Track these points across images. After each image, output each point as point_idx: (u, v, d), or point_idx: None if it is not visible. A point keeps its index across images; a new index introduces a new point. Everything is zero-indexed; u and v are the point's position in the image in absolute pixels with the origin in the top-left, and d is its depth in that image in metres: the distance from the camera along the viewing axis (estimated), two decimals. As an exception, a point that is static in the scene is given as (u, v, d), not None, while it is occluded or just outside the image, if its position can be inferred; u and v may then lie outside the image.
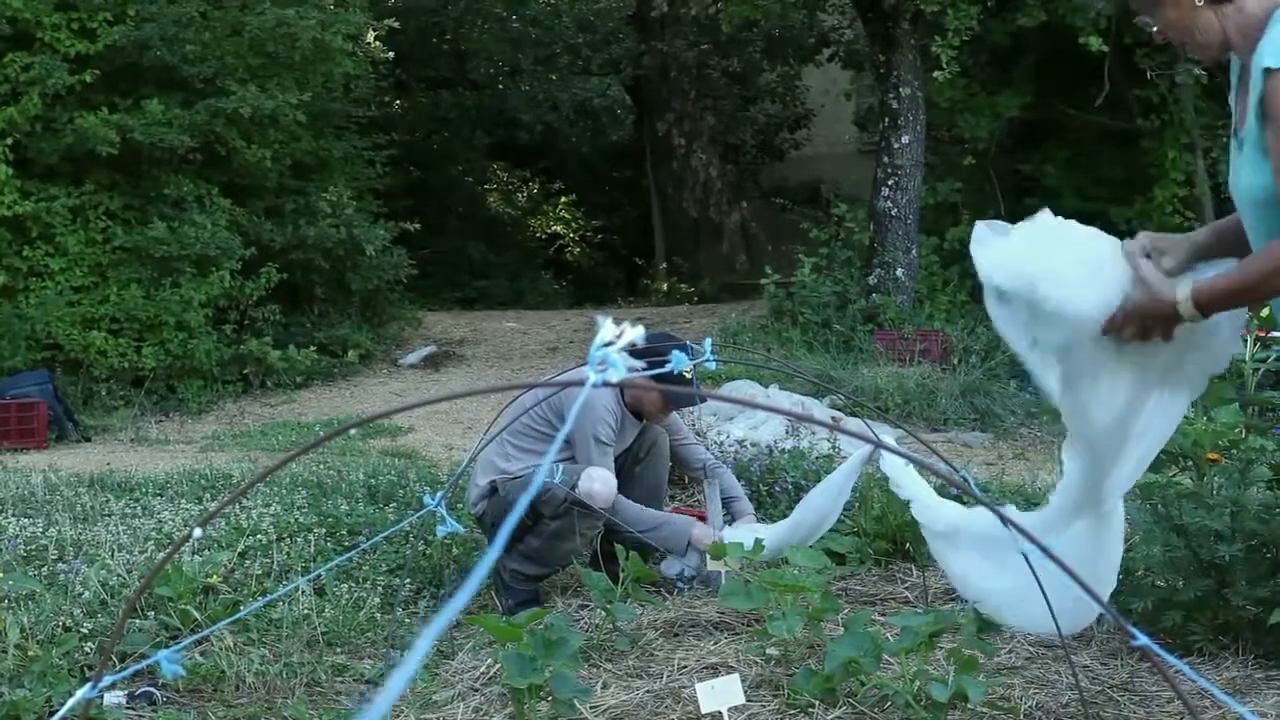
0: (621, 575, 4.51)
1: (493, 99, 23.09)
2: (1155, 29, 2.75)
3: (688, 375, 4.92)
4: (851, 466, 4.66)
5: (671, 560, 5.11)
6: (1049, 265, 2.71)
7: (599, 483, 4.81)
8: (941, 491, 6.07)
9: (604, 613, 4.36)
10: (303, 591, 4.58)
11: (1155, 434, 2.81)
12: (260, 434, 9.80)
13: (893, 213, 12.74)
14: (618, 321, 1.49)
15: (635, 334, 1.47)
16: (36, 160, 11.70)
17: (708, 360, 4.25)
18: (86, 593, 4.51)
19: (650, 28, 21.20)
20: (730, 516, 5.44)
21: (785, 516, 5.58)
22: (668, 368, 1.98)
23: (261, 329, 12.51)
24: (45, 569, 4.85)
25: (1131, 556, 4.31)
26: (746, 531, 4.90)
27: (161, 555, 4.93)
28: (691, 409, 6.71)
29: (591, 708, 3.70)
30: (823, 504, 4.65)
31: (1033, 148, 14.22)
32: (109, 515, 5.85)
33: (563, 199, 25.57)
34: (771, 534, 4.86)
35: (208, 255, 11.87)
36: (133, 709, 3.81)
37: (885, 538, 5.37)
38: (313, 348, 12.59)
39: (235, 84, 12.21)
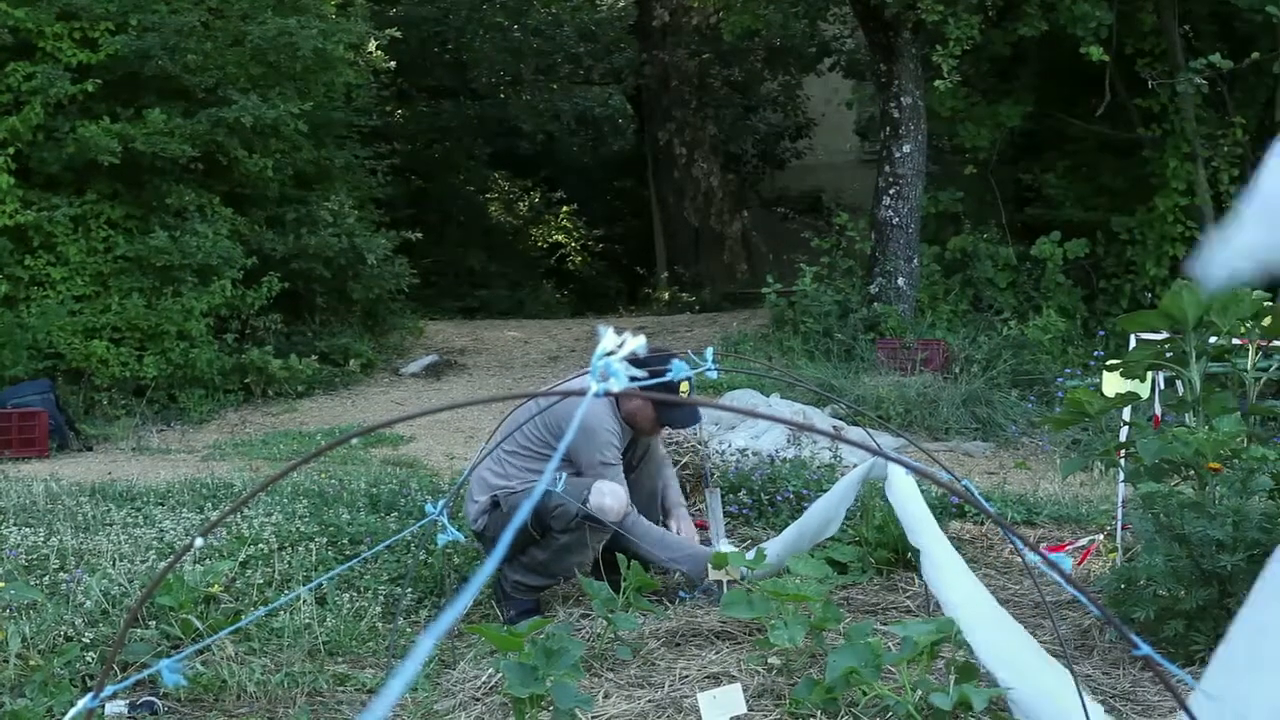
0: (623, 585, 4.51)
1: (494, 108, 23.12)
2: None
3: (684, 391, 4.88)
4: (856, 477, 4.66)
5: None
6: None
7: (610, 497, 4.79)
8: (943, 501, 6.09)
9: (605, 622, 4.35)
10: (304, 601, 4.58)
11: None
12: (262, 443, 9.80)
13: (894, 222, 12.75)
14: (619, 331, 1.48)
15: (637, 343, 1.47)
16: (38, 170, 11.70)
17: (709, 370, 4.25)
18: (88, 602, 4.51)
19: (651, 37, 21.23)
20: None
21: (787, 526, 5.58)
22: (667, 378, 1.97)
23: (263, 338, 12.51)
24: (47, 578, 4.85)
25: (1133, 566, 4.32)
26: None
27: (163, 564, 4.92)
28: (686, 428, 6.68)
29: (593, 718, 3.69)
30: (825, 511, 4.65)
31: (1034, 157, 14.22)
32: (110, 524, 5.85)
33: (564, 208, 25.59)
34: (774, 545, 4.86)
35: (209, 265, 11.87)
36: (134, 719, 3.81)
37: (887, 547, 5.37)
38: (314, 357, 12.59)
39: (237, 93, 12.21)
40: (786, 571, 4.53)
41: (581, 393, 1.45)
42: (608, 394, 1.42)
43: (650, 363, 1.96)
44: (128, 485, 7.04)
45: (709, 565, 4.81)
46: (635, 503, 5.12)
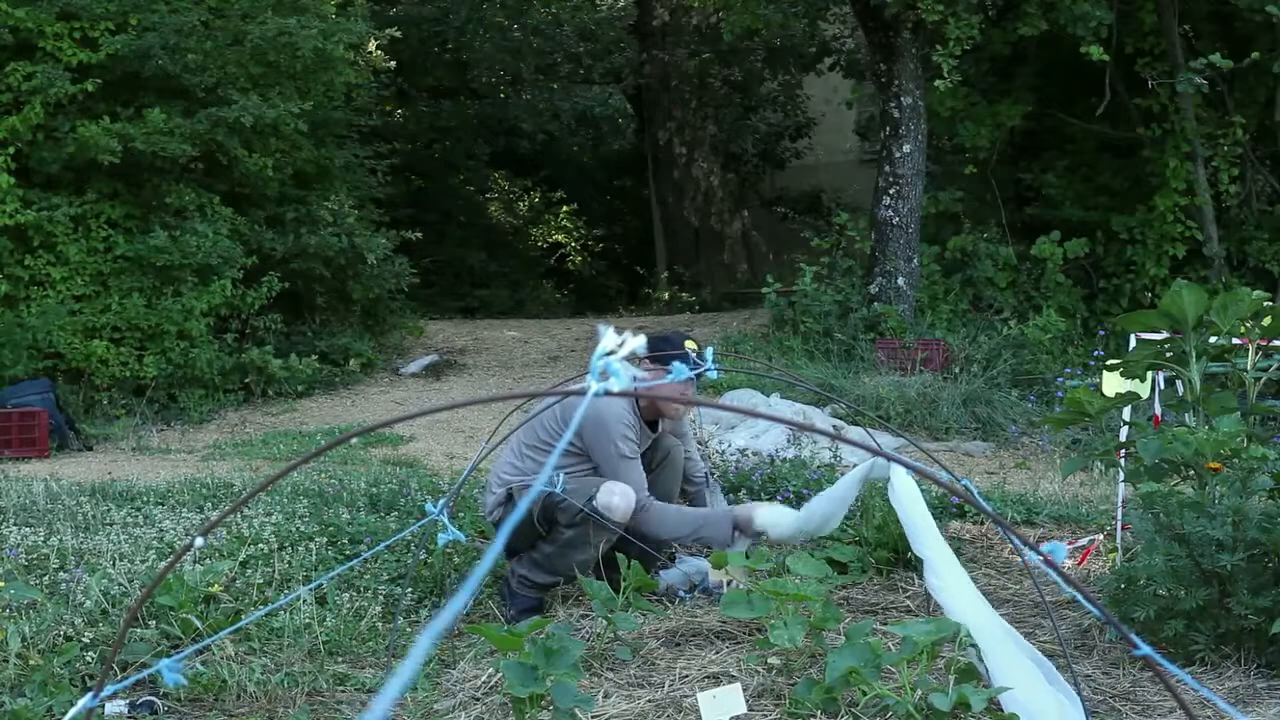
0: (623, 584, 4.51)
1: (494, 108, 23.13)
2: None
3: (693, 356, 4.87)
4: (856, 477, 4.65)
5: (672, 570, 5.11)
6: None
7: (618, 496, 4.79)
8: (943, 501, 6.09)
9: (605, 622, 4.35)
10: (304, 600, 4.58)
11: None
12: (262, 443, 9.80)
13: (894, 221, 12.75)
14: (619, 330, 1.48)
15: (637, 343, 1.47)
16: (38, 169, 11.70)
17: (709, 369, 4.26)
18: (88, 602, 4.51)
19: (651, 37, 21.24)
20: None
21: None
22: (670, 379, 1.98)
23: (263, 338, 12.50)
24: (46, 578, 4.84)
25: (1133, 565, 4.32)
26: (779, 510, 4.90)
27: (163, 564, 4.92)
28: (695, 417, 6.69)
29: (593, 717, 3.69)
30: (828, 506, 4.65)
31: (1034, 157, 14.23)
32: (110, 524, 5.85)
33: (564, 208, 25.60)
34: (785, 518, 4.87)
35: (209, 264, 11.87)
36: (134, 718, 3.81)
37: (887, 547, 5.37)
38: (314, 357, 12.58)
39: (237, 93, 12.21)
40: (786, 571, 4.53)
41: (583, 392, 1.45)
42: (608, 394, 1.42)
43: (657, 354, 1.96)
44: (128, 485, 7.03)
45: (710, 565, 4.81)
46: None
